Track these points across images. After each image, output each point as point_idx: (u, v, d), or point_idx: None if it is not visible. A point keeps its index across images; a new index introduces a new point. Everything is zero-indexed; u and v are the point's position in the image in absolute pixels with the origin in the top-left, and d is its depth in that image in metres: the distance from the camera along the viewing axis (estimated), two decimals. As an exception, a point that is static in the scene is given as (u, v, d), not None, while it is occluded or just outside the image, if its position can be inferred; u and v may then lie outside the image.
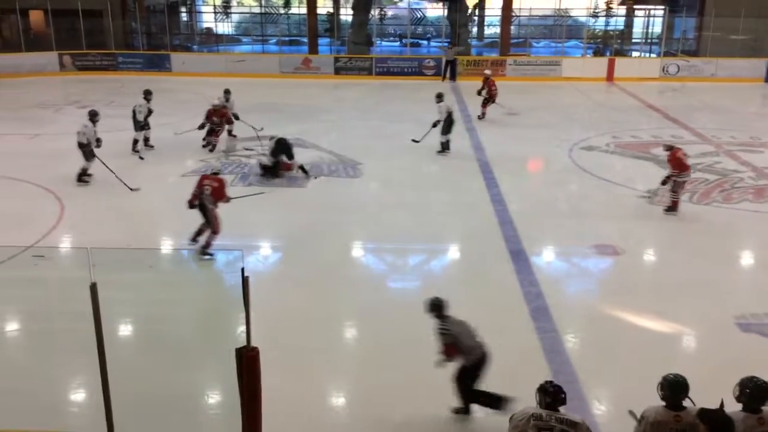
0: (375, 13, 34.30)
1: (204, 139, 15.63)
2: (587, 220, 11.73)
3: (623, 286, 9.41)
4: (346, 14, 33.56)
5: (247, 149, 15.69)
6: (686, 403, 4.68)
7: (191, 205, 9.84)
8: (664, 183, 11.63)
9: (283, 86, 25.29)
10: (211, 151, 15.41)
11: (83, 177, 12.94)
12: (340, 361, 7.58)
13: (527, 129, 18.34)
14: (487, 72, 21.05)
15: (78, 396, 6.97)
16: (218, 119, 15.57)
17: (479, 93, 19.39)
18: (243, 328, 4.93)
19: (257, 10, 41.28)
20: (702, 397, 4.79)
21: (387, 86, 25.54)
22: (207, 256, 9.84)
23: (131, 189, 12.56)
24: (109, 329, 5.07)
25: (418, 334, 6.96)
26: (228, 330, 7.87)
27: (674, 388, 4.68)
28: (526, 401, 5.10)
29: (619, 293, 9.15)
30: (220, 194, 9.85)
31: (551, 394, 4.74)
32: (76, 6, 26.01)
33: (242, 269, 4.82)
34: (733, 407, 4.71)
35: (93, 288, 4.77)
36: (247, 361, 4.81)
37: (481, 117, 19.28)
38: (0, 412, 5.39)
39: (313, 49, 29.34)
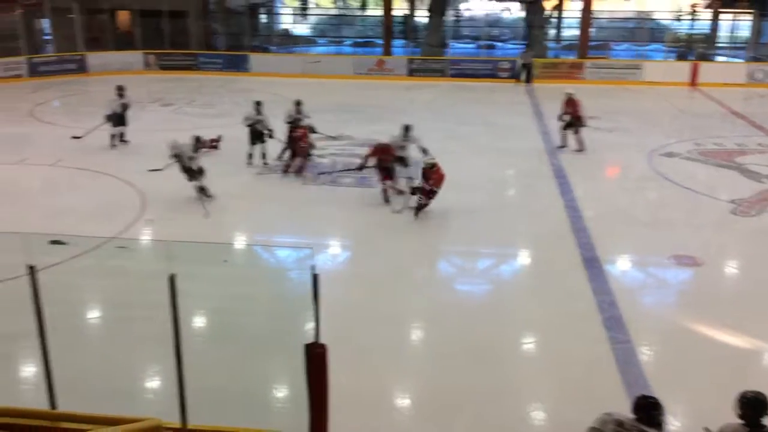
0: (451, 14, 34.20)
1: (284, 163, 14.24)
2: (666, 229, 11.33)
3: (703, 298, 9.05)
4: (421, 16, 33.53)
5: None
6: (766, 421, 4.47)
7: None
8: None
9: (357, 87, 25.49)
10: (295, 173, 13.84)
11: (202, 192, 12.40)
12: (406, 362, 7.57)
13: (604, 133, 17.85)
14: (570, 91, 16.28)
15: (153, 383, 7.21)
16: (303, 143, 13.83)
17: (561, 118, 16.10)
18: (312, 324, 4.98)
19: (334, 12, 41.83)
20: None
21: (460, 88, 25.38)
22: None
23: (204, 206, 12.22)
24: (184, 320, 5.22)
25: (484, 337, 6.90)
26: (297, 326, 7.98)
27: (754, 406, 4.47)
28: (596, 410, 4.96)
29: (698, 306, 8.80)
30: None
31: (648, 408, 4.57)
32: (161, 7, 26.97)
33: (312, 266, 4.87)
34: None
35: (171, 279, 4.92)
36: (316, 358, 4.86)
37: (563, 146, 16.15)
38: (79, 396, 5.61)
39: (388, 50, 29.45)
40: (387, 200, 12.18)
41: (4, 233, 9.20)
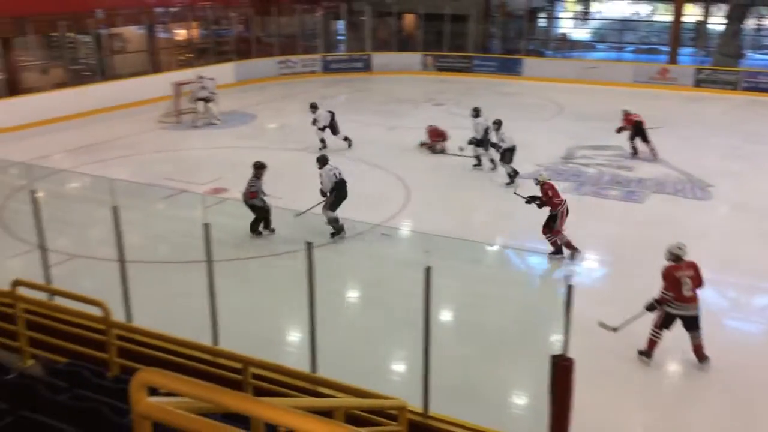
0: (751, 22, 30.82)
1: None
2: None
3: None
4: (716, 23, 30.68)
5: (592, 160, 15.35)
6: None
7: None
8: None
9: (635, 96, 24.11)
10: None
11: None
12: (656, 390, 7.05)
13: None
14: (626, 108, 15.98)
15: (399, 366, 7.59)
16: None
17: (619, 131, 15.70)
18: (559, 336, 4.86)
19: (617, 16, 39.99)
20: None
21: (754, 103, 22.80)
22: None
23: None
24: (433, 311, 5.41)
25: (754, 381, 6.16)
26: (543, 335, 7.85)
27: None
28: None
29: None
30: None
31: None
32: (444, 11, 28.11)
33: (567, 277, 4.74)
34: None
35: (427, 271, 5.13)
36: (561, 371, 4.73)
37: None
38: (334, 365, 6.08)
39: (674, 58, 27.44)
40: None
41: (287, 210, 10.39)
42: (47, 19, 19.13)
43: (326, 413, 3.79)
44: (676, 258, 7.28)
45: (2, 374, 4.39)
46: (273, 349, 7.37)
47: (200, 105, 18.81)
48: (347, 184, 10.61)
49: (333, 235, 10.46)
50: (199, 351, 5.80)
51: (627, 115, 15.76)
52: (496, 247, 11.05)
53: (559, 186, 13.26)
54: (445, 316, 8.56)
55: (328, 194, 10.47)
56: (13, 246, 10.05)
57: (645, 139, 15.38)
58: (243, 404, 2.25)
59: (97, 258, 9.64)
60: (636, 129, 15.43)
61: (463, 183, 13.50)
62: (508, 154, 13.39)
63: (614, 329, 7.46)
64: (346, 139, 16.09)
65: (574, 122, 18.88)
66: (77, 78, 20.75)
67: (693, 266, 7.28)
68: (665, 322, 7.33)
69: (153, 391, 2.31)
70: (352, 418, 4.66)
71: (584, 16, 40.44)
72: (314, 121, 15.81)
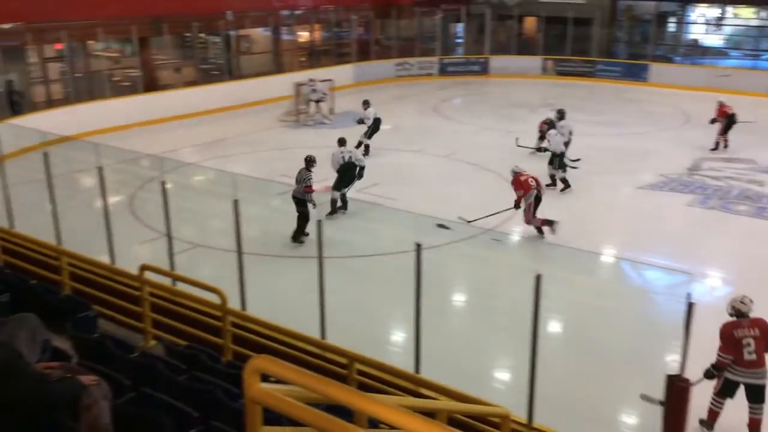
0: None
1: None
2: None
3: None
4: None
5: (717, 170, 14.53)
6: None
7: None
8: None
9: (769, 106, 22.61)
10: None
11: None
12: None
13: None
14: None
15: (504, 374, 7.48)
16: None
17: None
18: (676, 356, 4.63)
19: (755, 22, 37.56)
20: None
21: None
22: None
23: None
24: (543, 320, 5.29)
25: None
26: (658, 353, 7.49)
27: None
28: None
29: None
30: None
31: None
32: (567, 14, 27.41)
33: (688, 295, 4.51)
34: None
35: (538, 279, 5.02)
36: (677, 392, 4.50)
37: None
38: (437, 367, 6.07)
39: (816, 67, 25.47)
40: None
41: (399, 210, 10.47)
42: (181, 20, 20.31)
43: (429, 414, 3.79)
44: (738, 313, 6.11)
45: (127, 352, 4.70)
46: (377, 347, 7.45)
47: (312, 106, 19.51)
48: (363, 169, 11.82)
49: (328, 214, 11.42)
50: (308, 343, 5.97)
51: (721, 107, 15.88)
52: (611, 259, 10.66)
53: (683, 198, 12.69)
54: (553, 326, 8.35)
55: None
56: (141, 233, 10.72)
57: (727, 130, 15.77)
58: (350, 398, 2.29)
59: (216, 248, 10.11)
60: (729, 121, 15.61)
61: (576, 190, 13.08)
62: (557, 159, 13.06)
63: (661, 403, 5.31)
64: (365, 146, 15.60)
65: (701, 132, 17.88)
66: (206, 77, 21.87)
67: (760, 324, 6.05)
68: (726, 390, 6.14)
69: (263, 378, 2.39)
70: (453, 422, 4.64)
71: (718, 22, 38.24)
72: (361, 121, 15.71)
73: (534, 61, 28.24)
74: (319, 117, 19.45)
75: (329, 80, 20.01)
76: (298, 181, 10.66)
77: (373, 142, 15.60)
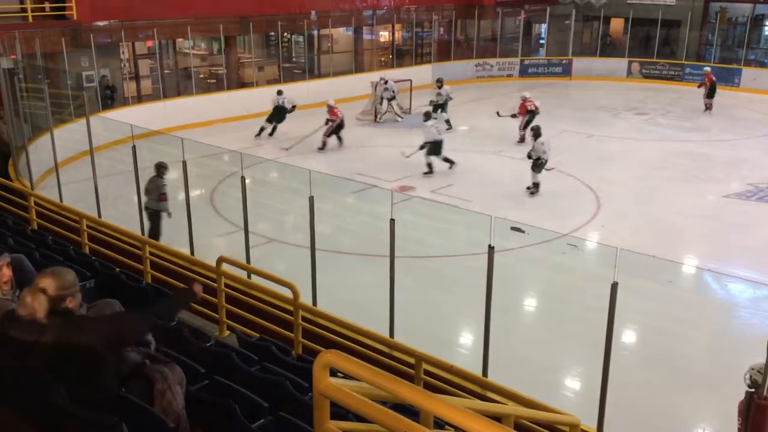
0: None
1: None
2: None
3: None
4: None
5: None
6: None
7: None
8: None
9: None
10: None
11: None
12: None
13: None
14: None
15: (575, 382, 7.32)
16: None
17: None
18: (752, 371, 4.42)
19: None
20: None
21: None
22: None
23: None
24: (618, 329, 5.15)
25: None
26: (738, 369, 7.17)
27: None
28: None
29: None
30: None
31: None
32: (655, 16, 26.54)
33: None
34: None
35: (614, 287, 4.90)
36: (757, 409, 4.31)
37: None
38: (506, 371, 6.00)
39: None
40: None
41: (474, 212, 10.39)
42: (267, 20, 20.80)
43: (495, 419, 3.76)
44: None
45: (202, 341, 4.86)
46: (445, 348, 7.43)
47: (384, 104, 19.66)
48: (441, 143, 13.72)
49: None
50: (376, 341, 6.01)
51: (707, 75, 19.85)
52: (693, 269, 10.27)
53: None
54: (628, 335, 8.12)
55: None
56: (220, 226, 11.05)
57: (711, 95, 19.34)
58: (418, 398, 2.30)
59: (290, 243, 10.31)
60: (711, 86, 19.57)
61: (659, 197, 12.67)
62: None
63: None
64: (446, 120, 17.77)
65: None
66: (288, 75, 22.30)
67: None
68: None
69: (332, 373, 2.42)
70: (520, 429, 4.58)
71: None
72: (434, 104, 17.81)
73: (619, 63, 27.47)
74: (391, 115, 19.58)
75: (407, 80, 20.04)
76: (149, 191, 9.52)
77: (449, 143, 15.55)
